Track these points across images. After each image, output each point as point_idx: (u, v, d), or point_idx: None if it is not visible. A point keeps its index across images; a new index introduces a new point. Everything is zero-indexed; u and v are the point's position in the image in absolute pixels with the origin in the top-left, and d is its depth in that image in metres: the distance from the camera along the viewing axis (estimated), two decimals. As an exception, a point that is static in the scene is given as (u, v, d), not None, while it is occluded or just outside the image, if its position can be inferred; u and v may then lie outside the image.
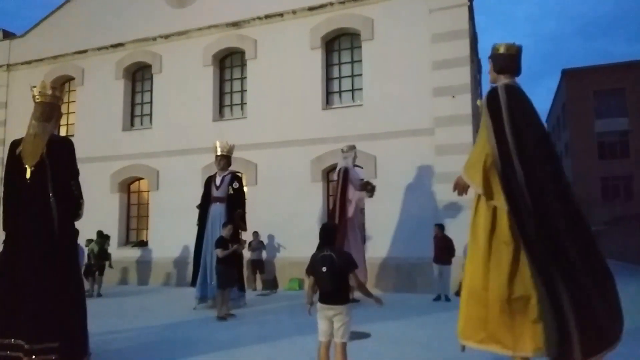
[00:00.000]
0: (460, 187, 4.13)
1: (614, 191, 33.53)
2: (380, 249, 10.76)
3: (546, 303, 3.57)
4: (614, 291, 3.73)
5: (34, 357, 4.12)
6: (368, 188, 9.15)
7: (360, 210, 9.50)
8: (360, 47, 11.92)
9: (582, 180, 34.56)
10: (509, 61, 3.98)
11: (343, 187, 9.08)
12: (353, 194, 9.05)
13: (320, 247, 4.06)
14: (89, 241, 11.34)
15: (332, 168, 11.86)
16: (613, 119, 33.82)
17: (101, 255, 11.39)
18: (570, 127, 36.05)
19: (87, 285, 10.75)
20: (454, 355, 5.02)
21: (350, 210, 9.02)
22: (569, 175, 36.85)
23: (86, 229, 10.95)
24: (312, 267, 3.91)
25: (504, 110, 3.82)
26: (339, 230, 8.52)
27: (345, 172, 9.18)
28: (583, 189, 34.16)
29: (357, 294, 8.42)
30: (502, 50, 4.00)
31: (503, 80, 4.00)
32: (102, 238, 11.53)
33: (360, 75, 11.87)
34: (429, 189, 10.59)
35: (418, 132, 10.81)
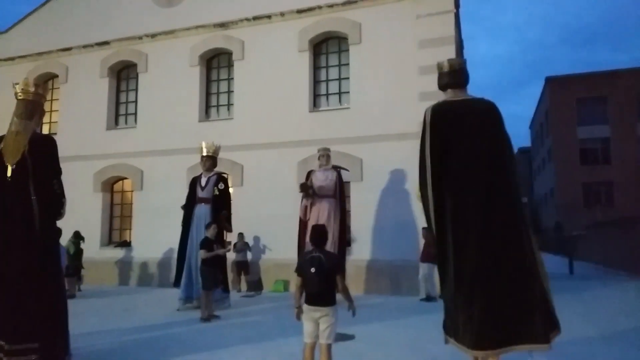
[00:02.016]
0: None
1: (595, 197, 34.14)
2: (365, 252, 10.80)
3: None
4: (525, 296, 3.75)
5: (13, 357, 4.05)
6: (300, 190, 9.27)
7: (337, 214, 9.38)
8: (347, 50, 11.97)
9: (564, 186, 35.16)
10: (452, 76, 4.16)
11: None
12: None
13: (309, 248, 4.07)
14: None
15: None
16: (595, 126, 34.49)
17: (77, 256, 11.35)
18: (553, 133, 36.67)
19: (67, 285, 10.71)
20: (439, 356, 5.06)
21: (302, 213, 9.29)
22: (552, 180, 37.46)
23: (68, 228, 10.96)
24: (301, 268, 3.92)
25: (426, 131, 4.14)
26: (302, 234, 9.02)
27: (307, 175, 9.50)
28: (565, 195, 34.76)
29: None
30: (445, 68, 4.19)
31: (445, 95, 4.22)
32: (78, 238, 11.46)
33: (348, 78, 11.92)
34: (414, 193, 10.65)
35: (404, 136, 10.88)
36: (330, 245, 8.52)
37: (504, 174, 3.93)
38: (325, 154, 9.53)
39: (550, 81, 37.42)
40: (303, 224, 9.27)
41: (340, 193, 9.37)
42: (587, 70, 45.66)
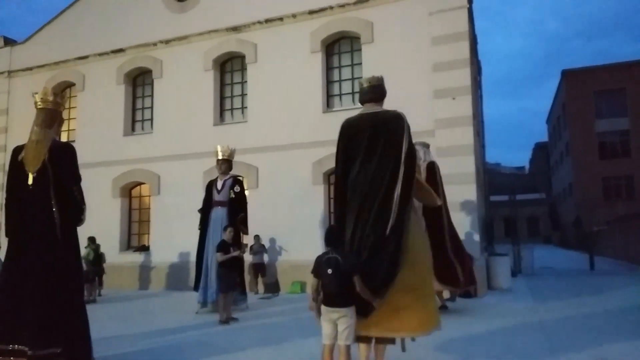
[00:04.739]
0: None
1: (615, 191, 33.52)
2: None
3: None
4: None
5: (37, 362, 4.13)
6: None
7: None
8: (360, 50, 11.95)
9: (583, 181, 34.58)
10: (370, 91, 4.47)
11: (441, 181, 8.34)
12: None
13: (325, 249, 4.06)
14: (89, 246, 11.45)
15: (334, 171, 11.87)
16: (614, 119, 33.86)
17: (97, 261, 11.53)
18: (570, 127, 36.10)
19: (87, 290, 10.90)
20: (458, 357, 5.02)
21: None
22: (570, 175, 36.85)
23: (88, 234, 11.15)
24: (318, 269, 3.92)
25: (339, 141, 4.47)
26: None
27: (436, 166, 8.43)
28: (584, 189, 34.18)
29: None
30: (365, 84, 4.51)
31: (363, 109, 4.52)
32: (95, 243, 11.64)
33: (361, 78, 11.86)
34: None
35: (419, 134, 10.72)
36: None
37: (393, 178, 4.10)
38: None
39: (566, 74, 36.85)
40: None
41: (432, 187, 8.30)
42: (605, 62, 44.80)
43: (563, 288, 11.34)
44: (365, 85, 4.52)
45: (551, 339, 5.79)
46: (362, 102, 4.55)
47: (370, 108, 4.48)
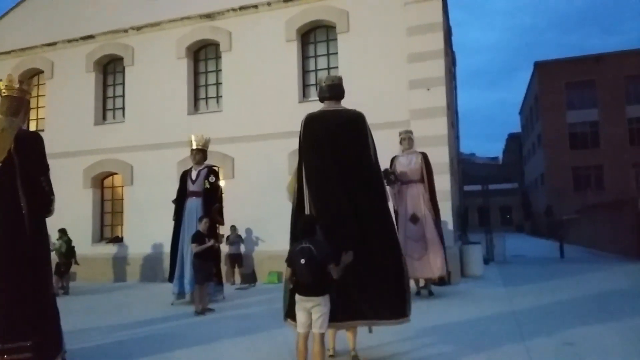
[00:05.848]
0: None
1: (585, 180, 34.44)
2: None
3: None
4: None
5: (6, 356, 4.04)
6: (389, 177, 8.24)
7: None
8: (335, 39, 11.91)
9: (554, 171, 35.43)
10: (329, 90, 4.68)
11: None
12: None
13: (299, 239, 4.06)
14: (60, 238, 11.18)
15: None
16: (584, 110, 34.69)
17: (69, 253, 11.29)
18: (542, 118, 36.85)
19: (60, 283, 10.67)
20: (429, 345, 5.12)
21: (393, 202, 8.33)
22: (542, 165, 37.68)
23: (59, 226, 10.91)
24: (291, 259, 3.92)
25: (300, 135, 4.67)
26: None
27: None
28: (555, 179, 35.04)
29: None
30: (324, 82, 4.68)
31: (323, 106, 4.70)
32: (66, 235, 11.39)
33: (336, 67, 11.87)
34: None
35: (394, 125, 10.85)
36: (433, 236, 8.14)
37: (359, 172, 4.48)
38: (407, 137, 8.66)
39: (539, 66, 37.52)
40: (395, 213, 8.38)
41: (428, 177, 8.52)
42: (577, 55, 45.76)
43: (533, 275, 11.63)
44: (325, 83, 4.66)
45: (522, 324, 5.94)
46: (322, 99, 4.70)
47: (331, 106, 4.65)
